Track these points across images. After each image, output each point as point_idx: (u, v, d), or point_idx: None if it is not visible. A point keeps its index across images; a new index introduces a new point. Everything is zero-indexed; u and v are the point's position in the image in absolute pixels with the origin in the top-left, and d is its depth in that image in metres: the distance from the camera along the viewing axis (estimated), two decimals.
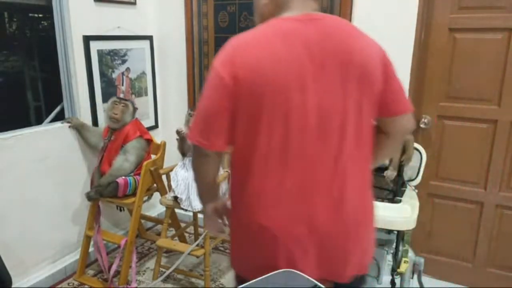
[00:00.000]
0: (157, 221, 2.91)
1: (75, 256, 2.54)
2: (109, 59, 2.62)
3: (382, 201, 1.86)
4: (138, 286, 2.40)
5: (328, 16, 1.11)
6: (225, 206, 1.30)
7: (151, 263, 2.63)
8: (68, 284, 2.43)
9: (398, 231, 1.78)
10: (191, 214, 2.74)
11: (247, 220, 1.15)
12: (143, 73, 2.91)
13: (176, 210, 2.58)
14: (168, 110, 3.10)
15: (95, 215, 2.43)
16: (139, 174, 2.34)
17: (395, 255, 1.81)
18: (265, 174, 1.09)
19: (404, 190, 1.91)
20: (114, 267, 2.33)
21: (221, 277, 2.51)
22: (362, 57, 1.07)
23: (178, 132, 2.25)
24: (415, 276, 2.01)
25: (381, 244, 1.82)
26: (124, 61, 2.73)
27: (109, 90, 2.64)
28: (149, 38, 2.91)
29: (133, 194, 2.35)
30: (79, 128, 2.43)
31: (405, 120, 1.17)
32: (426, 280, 2.24)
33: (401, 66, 2.26)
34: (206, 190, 1.29)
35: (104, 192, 2.29)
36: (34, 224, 2.29)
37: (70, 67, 2.40)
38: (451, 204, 2.38)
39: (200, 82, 2.89)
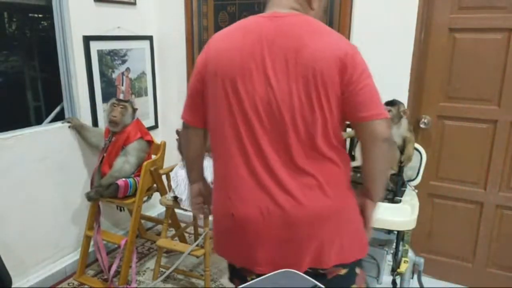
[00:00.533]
0: (157, 221, 2.91)
1: (75, 256, 2.54)
2: (109, 59, 2.62)
3: (382, 201, 1.86)
4: (138, 286, 2.40)
5: (293, 15, 1.14)
6: (209, 189, 1.44)
7: (151, 263, 2.63)
8: (68, 284, 2.43)
9: (398, 231, 1.78)
10: (191, 214, 2.74)
11: (215, 201, 1.30)
12: (143, 73, 2.91)
13: (176, 210, 2.58)
14: (168, 110, 3.10)
15: (95, 215, 2.43)
16: (139, 176, 2.34)
17: (395, 255, 1.81)
18: (224, 158, 1.21)
19: (404, 190, 1.91)
20: (114, 267, 2.33)
21: (221, 277, 2.51)
22: (311, 55, 1.07)
23: (178, 132, 2.24)
24: (415, 276, 2.01)
25: (381, 244, 1.82)
26: (124, 61, 2.73)
27: (109, 90, 2.64)
28: (149, 38, 2.91)
29: (133, 194, 2.35)
30: (78, 129, 2.43)
31: (374, 126, 1.11)
32: (426, 280, 2.24)
33: (401, 66, 2.27)
34: (190, 164, 1.45)
35: (104, 193, 2.29)
36: (34, 224, 2.29)
37: (70, 67, 2.40)
38: (451, 204, 2.38)
39: None
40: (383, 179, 1.27)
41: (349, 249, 1.21)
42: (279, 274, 1.02)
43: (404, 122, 1.86)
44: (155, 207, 3.17)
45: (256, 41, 1.11)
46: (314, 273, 1.17)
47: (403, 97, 2.26)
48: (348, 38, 2.34)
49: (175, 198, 2.30)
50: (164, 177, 2.46)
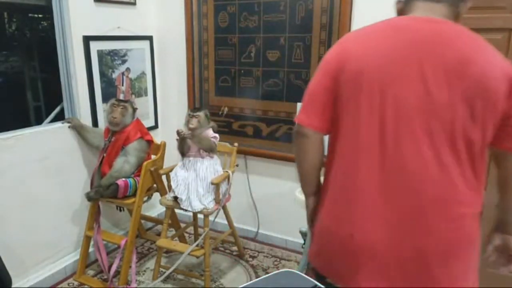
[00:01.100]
0: (157, 221, 2.91)
1: (75, 256, 2.54)
2: (109, 59, 2.62)
3: None
4: (138, 286, 2.40)
5: (450, 23, 1.06)
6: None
7: (151, 263, 2.63)
8: (68, 284, 2.43)
9: None
10: (191, 214, 2.74)
11: (325, 215, 1.16)
12: (143, 73, 2.91)
13: (176, 210, 2.58)
14: (168, 110, 3.10)
15: (95, 215, 2.43)
16: (139, 176, 2.34)
17: None
18: (347, 168, 1.10)
19: None
20: (114, 267, 2.33)
21: (221, 277, 2.51)
22: (480, 71, 0.98)
23: (178, 133, 2.24)
24: None
25: None
26: (124, 61, 2.73)
27: (109, 90, 2.64)
28: (149, 38, 2.91)
29: (133, 194, 2.35)
30: (78, 129, 2.43)
31: None
32: None
33: None
34: (305, 178, 1.26)
35: (104, 193, 2.28)
36: (34, 224, 2.29)
37: (70, 67, 2.40)
38: None
39: (200, 82, 2.89)
40: None
41: None
42: (279, 274, 1.02)
43: None
44: (155, 207, 3.17)
45: (412, 44, 1.03)
46: None
47: None
48: None
49: (175, 198, 2.30)
50: (164, 177, 2.46)
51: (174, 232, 2.71)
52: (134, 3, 2.75)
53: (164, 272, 2.34)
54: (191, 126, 2.25)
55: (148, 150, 2.42)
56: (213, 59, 2.81)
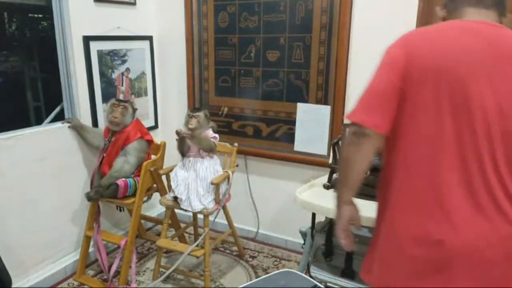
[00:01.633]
0: (157, 221, 2.91)
1: (75, 256, 2.54)
2: (109, 60, 2.62)
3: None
4: (138, 287, 2.40)
5: (508, 29, 1.08)
6: (357, 210, 1.23)
7: (151, 263, 2.63)
8: (68, 284, 2.43)
9: None
10: (191, 214, 2.74)
11: (399, 221, 1.09)
12: (143, 73, 2.91)
13: (176, 211, 2.58)
14: (168, 110, 3.10)
15: (95, 215, 2.43)
16: (139, 176, 2.34)
17: None
18: (425, 172, 1.04)
19: None
20: (114, 267, 2.32)
21: (221, 277, 2.51)
22: None
23: (177, 133, 2.24)
24: None
25: None
26: (124, 62, 2.73)
27: (109, 90, 2.64)
28: (149, 38, 2.91)
29: (133, 195, 2.34)
30: (78, 129, 2.43)
31: None
32: None
33: None
34: (351, 183, 1.17)
35: (104, 193, 2.28)
36: (34, 224, 2.29)
37: (70, 68, 2.40)
38: None
39: (200, 82, 2.89)
40: None
41: None
42: (279, 274, 1.02)
43: None
44: (155, 207, 3.17)
45: (484, 44, 1.03)
46: None
47: None
48: (348, 38, 2.34)
49: (175, 198, 2.30)
50: (164, 177, 2.46)
51: (174, 232, 2.71)
52: (134, 3, 2.75)
53: (164, 272, 2.34)
54: (190, 126, 2.25)
55: (148, 150, 2.42)
56: (213, 59, 2.81)
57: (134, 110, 2.40)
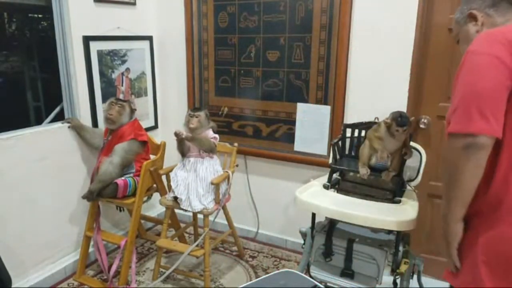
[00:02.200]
0: (157, 221, 2.91)
1: (75, 256, 2.54)
2: (108, 60, 2.62)
3: (382, 201, 1.86)
4: (138, 287, 2.40)
5: None
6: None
7: (151, 264, 2.63)
8: (68, 284, 2.43)
9: (398, 232, 1.78)
10: (191, 214, 2.74)
11: None
12: (143, 73, 2.91)
13: (176, 211, 2.58)
14: (168, 110, 3.10)
15: (94, 216, 2.43)
16: (139, 175, 2.34)
17: (394, 255, 1.81)
18: None
19: (404, 191, 1.91)
20: (114, 268, 2.32)
21: (220, 277, 2.51)
22: None
23: (176, 134, 2.24)
24: (415, 276, 2.01)
25: (381, 244, 1.82)
26: (124, 62, 2.73)
27: (109, 90, 2.64)
28: (149, 38, 2.91)
29: (133, 194, 2.34)
30: (78, 130, 2.43)
31: None
32: (426, 280, 2.24)
33: (401, 66, 2.27)
34: (465, 200, 1.09)
35: (103, 193, 2.28)
36: (34, 224, 2.29)
37: (69, 68, 2.40)
38: None
39: (200, 82, 2.89)
40: None
41: None
42: (279, 274, 1.02)
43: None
44: (155, 207, 3.17)
45: None
46: None
47: (403, 97, 2.26)
48: (348, 38, 2.35)
49: (175, 198, 2.30)
50: (164, 177, 2.46)
51: (174, 232, 2.71)
52: (134, 3, 2.75)
53: (164, 272, 2.34)
54: (191, 126, 2.25)
55: (140, 151, 2.39)
56: (213, 59, 2.81)
57: (133, 110, 2.40)
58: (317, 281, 1.26)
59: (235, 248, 2.80)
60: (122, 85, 2.75)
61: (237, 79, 2.76)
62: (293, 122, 2.62)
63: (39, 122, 2.63)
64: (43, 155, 2.29)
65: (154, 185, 2.48)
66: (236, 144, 2.55)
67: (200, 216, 2.39)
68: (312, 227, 1.99)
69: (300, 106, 2.57)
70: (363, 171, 1.85)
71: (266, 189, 2.86)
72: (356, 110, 2.41)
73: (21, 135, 2.18)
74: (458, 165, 1.06)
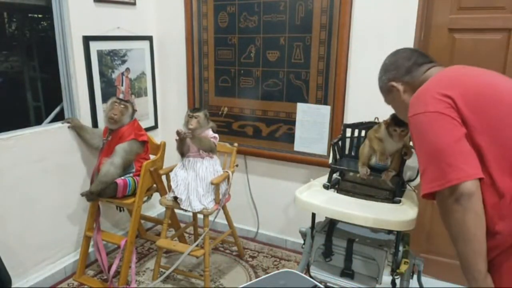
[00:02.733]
0: (157, 221, 2.91)
1: (74, 256, 2.54)
2: (108, 60, 2.62)
3: (382, 201, 1.86)
4: (138, 287, 2.40)
5: None
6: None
7: (151, 264, 2.63)
8: (68, 284, 2.43)
9: (398, 232, 1.78)
10: (190, 214, 2.74)
11: None
12: (143, 73, 2.91)
13: (176, 211, 2.58)
14: (168, 110, 3.10)
15: (94, 216, 2.43)
16: (138, 175, 2.34)
17: (394, 255, 1.81)
18: None
19: (404, 191, 1.91)
20: (113, 268, 2.32)
21: (220, 277, 2.51)
22: None
23: (178, 133, 2.24)
24: (415, 276, 2.01)
25: (381, 244, 1.82)
26: (123, 62, 2.73)
27: (109, 90, 2.64)
28: (149, 38, 2.91)
29: (133, 194, 2.34)
30: (78, 130, 2.43)
31: None
32: (426, 280, 2.24)
33: None
34: (483, 249, 1.04)
35: (103, 193, 2.28)
36: (34, 224, 2.29)
37: (69, 68, 2.40)
38: None
39: (200, 82, 2.89)
40: None
41: None
42: (279, 274, 1.02)
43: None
44: (155, 207, 3.17)
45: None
46: None
47: None
48: (348, 38, 2.35)
49: (175, 199, 2.30)
50: (164, 178, 2.46)
51: (174, 232, 2.71)
52: (134, 3, 2.75)
53: (164, 272, 2.34)
54: (191, 126, 2.25)
55: (140, 151, 2.39)
56: (213, 59, 2.81)
57: (134, 111, 2.40)
58: (317, 281, 1.26)
59: (235, 248, 2.80)
60: (122, 85, 2.75)
61: (237, 79, 2.76)
62: (293, 122, 2.62)
63: (39, 122, 2.63)
64: (43, 155, 2.29)
65: (154, 185, 2.48)
66: (236, 144, 2.56)
67: (200, 216, 2.39)
68: (312, 227, 1.99)
69: (300, 106, 2.57)
70: (363, 171, 1.85)
71: (266, 189, 2.86)
72: (356, 110, 2.41)
73: (21, 135, 2.18)
74: (458, 220, 1.04)
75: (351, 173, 1.99)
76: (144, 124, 2.91)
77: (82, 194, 2.32)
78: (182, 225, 2.75)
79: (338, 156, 2.04)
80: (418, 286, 2.03)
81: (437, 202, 1.09)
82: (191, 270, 2.59)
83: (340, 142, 2.07)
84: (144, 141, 2.41)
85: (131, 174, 2.37)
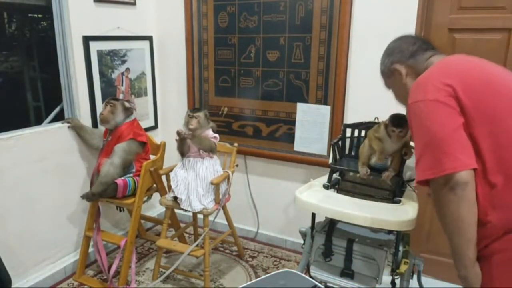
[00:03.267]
0: (157, 221, 2.91)
1: (74, 256, 2.54)
2: (108, 60, 2.62)
3: (382, 201, 1.86)
4: (138, 287, 2.40)
5: None
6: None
7: (150, 264, 2.63)
8: (68, 284, 2.43)
9: (398, 232, 1.78)
10: (190, 214, 2.74)
11: None
12: (143, 73, 2.91)
13: (176, 211, 2.58)
14: (168, 110, 3.10)
15: (94, 216, 2.43)
16: (138, 175, 2.34)
17: (394, 255, 1.81)
18: None
19: (404, 191, 1.91)
20: (113, 268, 2.32)
21: (220, 277, 2.51)
22: None
23: (178, 133, 2.24)
24: (415, 276, 2.01)
25: (381, 244, 1.82)
26: (123, 62, 2.73)
27: (109, 90, 2.64)
28: (149, 38, 2.91)
29: (133, 194, 2.34)
30: (78, 130, 2.43)
31: None
32: (426, 280, 2.24)
33: None
34: (473, 238, 1.08)
35: (103, 194, 2.28)
36: (34, 224, 2.29)
37: (69, 68, 2.40)
38: None
39: (200, 82, 2.89)
40: None
41: None
42: (279, 274, 1.02)
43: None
44: (155, 207, 3.17)
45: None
46: None
47: None
48: (348, 38, 2.34)
49: (175, 199, 2.30)
50: (164, 178, 2.46)
51: (174, 232, 2.71)
52: (134, 3, 2.75)
53: (164, 272, 2.34)
54: (190, 126, 2.25)
55: (140, 151, 2.39)
56: (213, 59, 2.81)
57: (127, 108, 2.36)
58: (317, 281, 1.26)
59: (235, 248, 2.80)
60: (122, 85, 2.74)
61: (237, 79, 2.76)
62: (293, 122, 2.62)
63: (39, 122, 2.63)
64: (43, 155, 2.29)
65: (154, 185, 2.48)
66: (236, 144, 2.56)
67: (200, 216, 2.39)
68: (312, 227, 1.99)
69: (300, 106, 2.57)
70: (363, 171, 1.85)
71: (266, 189, 2.86)
72: (356, 110, 2.41)
73: (21, 135, 2.18)
74: (452, 208, 1.06)
75: (351, 173, 1.99)
76: (144, 124, 2.91)
77: (83, 197, 2.31)
78: (182, 225, 2.75)
79: (338, 156, 2.04)
80: (418, 286, 2.03)
81: (432, 190, 1.11)
82: (191, 270, 2.59)
83: (340, 142, 2.07)
84: (143, 141, 2.40)
85: (131, 174, 2.36)
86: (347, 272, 1.85)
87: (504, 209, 1.07)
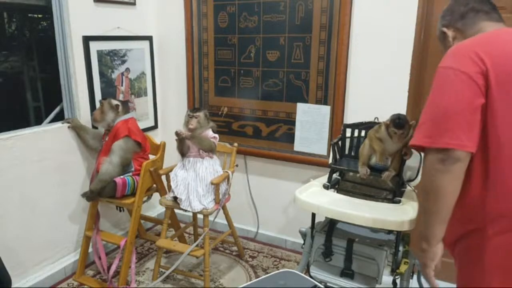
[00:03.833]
0: (156, 221, 2.90)
1: (74, 256, 2.54)
2: (108, 60, 2.62)
3: (382, 201, 1.86)
4: (138, 287, 2.40)
5: None
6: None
7: (150, 264, 2.63)
8: (68, 284, 2.43)
9: (398, 232, 1.78)
10: (190, 214, 2.74)
11: None
12: (143, 73, 2.91)
13: (176, 211, 2.58)
14: (168, 110, 3.10)
15: (94, 216, 2.43)
16: (138, 175, 2.34)
17: (394, 255, 1.81)
18: None
19: (404, 191, 1.91)
20: (113, 268, 2.32)
21: (220, 277, 2.51)
22: None
23: (177, 134, 2.24)
24: (415, 276, 2.01)
25: (381, 244, 1.82)
26: (123, 62, 2.73)
27: (109, 90, 2.64)
28: (149, 38, 2.91)
29: (133, 194, 2.34)
30: (78, 130, 2.43)
31: None
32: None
33: (401, 66, 2.27)
34: (446, 216, 1.10)
35: (102, 193, 2.28)
36: (34, 224, 2.29)
37: (69, 68, 2.40)
38: None
39: (200, 82, 2.89)
40: None
41: None
42: (279, 274, 1.02)
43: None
44: (155, 207, 3.17)
45: None
46: None
47: (403, 97, 2.26)
48: (348, 38, 2.34)
49: (175, 199, 2.30)
50: (164, 178, 2.46)
51: (173, 232, 2.71)
52: (134, 3, 2.75)
53: (164, 272, 2.34)
54: (190, 126, 2.25)
55: (137, 150, 2.38)
56: (213, 59, 2.81)
57: (115, 106, 2.34)
58: (317, 281, 1.26)
59: (235, 248, 2.80)
60: (122, 85, 2.74)
61: (237, 79, 2.76)
62: (293, 122, 2.62)
63: (39, 122, 2.63)
64: (43, 155, 2.29)
65: (154, 185, 2.48)
66: (236, 144, 2.55)
67: (200, 216, 2.39)
68: (312, 227, 1.99)
69: (300, 106, 2.57)
70: (363, 171, 1.85)
71: (266, 189, 2.86)
72: (356, 110, 2.41)
73: (21, 135, 2.18)
74: (437, 178, 1.07)
75: (351, 173, 1.99)
76: (144, 124, 2.91)
77: (83, 195, 2.32)
78: (182, 225, 2.75)
79: (338, 156, 2.04)
80: (418, 286, 2.03)
81: (424, 155, 1.11)
82: (191, 270, 2.59)
83: (340, 142, 2.07)
84: (138, 141, 2.38)
85: (130, 173, 2.36)
86: (347, 272, 1.85)
87: (503, 194, 1.07)
